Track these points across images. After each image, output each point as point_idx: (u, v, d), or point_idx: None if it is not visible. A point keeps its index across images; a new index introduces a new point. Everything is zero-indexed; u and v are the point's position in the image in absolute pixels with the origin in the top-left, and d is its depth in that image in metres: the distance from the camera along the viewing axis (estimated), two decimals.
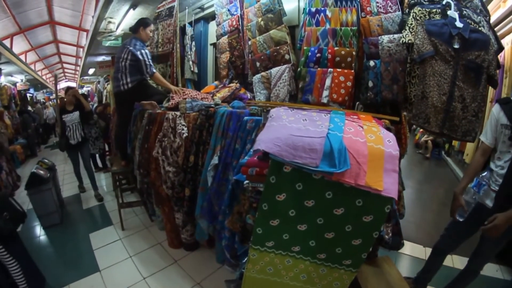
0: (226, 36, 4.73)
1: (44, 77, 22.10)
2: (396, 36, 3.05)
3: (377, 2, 3.38)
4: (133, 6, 6.39)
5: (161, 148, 3.63)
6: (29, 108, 14.95)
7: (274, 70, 3.78)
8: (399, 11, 3.27)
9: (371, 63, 3.12)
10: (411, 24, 2.83)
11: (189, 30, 5.57)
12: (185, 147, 3.46)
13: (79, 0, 10.83)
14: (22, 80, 15.86)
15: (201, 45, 5.84)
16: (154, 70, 4.52)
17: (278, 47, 3.88)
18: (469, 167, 2.78)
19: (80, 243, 4.49)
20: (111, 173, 5.79)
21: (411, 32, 2.81)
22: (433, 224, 5.10)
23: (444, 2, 2.80)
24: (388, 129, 2.20)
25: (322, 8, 3.60)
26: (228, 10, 4.77)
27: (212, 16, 5.53)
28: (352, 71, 3.26)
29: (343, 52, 3.36)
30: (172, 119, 3.56)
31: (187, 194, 3.49)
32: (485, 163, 2.75)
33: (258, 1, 4.28)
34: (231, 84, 4.34)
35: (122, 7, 6.50)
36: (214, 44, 5.57)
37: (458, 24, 2.61)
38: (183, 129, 3.44)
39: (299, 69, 3.48)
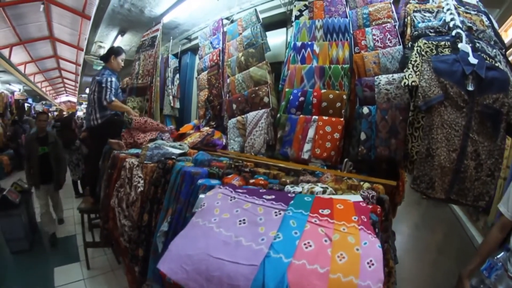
0: (206, 71, 4.41)
1: (44, 89, 22.87)
2: (396, 76, 2.63)
3: (374, 35, 2.96)
4: (121, 32, 6.35)
5: (117, 198, 3.28)
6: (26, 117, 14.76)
7: (250, 115, 3.42)
8: (400, 44, 2.83)
9: (365, 110, 2.69)
10: (415, 61, 2.38)
11: (172, 62, 5.29)
12: (141, 202, 3.03)
13: (76, 19, 10.98)
14: (20, 90, 16.07)
15: (187, 78, 5.56)
16: (113, 98, 4.18)
17: (257, 88, 3.52)
18: (482, 245, 2.21)
19: (43, 277, 4.26)
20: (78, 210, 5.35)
21: (415, 72, 2.35)
22: (430, 279, 4.46)
23: (453, 33, 2.40)
24: (381, 201, 1.78)
25: (309, 42, 3.20)
26: (211, 42, 4.48)
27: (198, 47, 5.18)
28: (342, 119, 2.83)
29: (331, 96, 2.91)
30: (129, 169, 3.16)
31: (140, 254, 3.03)
32: (503, 240, 2.19)
33: (241, 33, 3.94)
34: (204, 128, 3.95)
35: (110, 32, 6.48)
36: None
37: (472, 60, 2.19)
38: (139, 182, 3.03)
39: (278, 115, 3.11)
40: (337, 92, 2.90)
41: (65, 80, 23.22)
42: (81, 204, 4.86)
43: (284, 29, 4.11)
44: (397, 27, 2.91)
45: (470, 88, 2.17)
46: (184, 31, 5.66)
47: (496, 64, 2.24)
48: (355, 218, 1.37)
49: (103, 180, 4.01)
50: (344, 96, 2.87)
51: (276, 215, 1.39)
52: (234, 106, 3.66)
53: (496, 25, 2.72)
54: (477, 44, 2.34)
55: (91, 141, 5.11)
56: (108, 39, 6.88)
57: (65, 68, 18.82)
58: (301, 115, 2.97)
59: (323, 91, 2.94)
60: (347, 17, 3.25)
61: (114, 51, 4.44)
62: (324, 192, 1.83)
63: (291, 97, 3.02)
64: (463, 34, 2.34)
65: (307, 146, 2.86)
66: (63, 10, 10.20)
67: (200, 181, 2.31)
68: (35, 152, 4.94)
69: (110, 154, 3.92)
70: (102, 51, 7.22)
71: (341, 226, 1.34)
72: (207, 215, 1.38)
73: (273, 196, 1.55)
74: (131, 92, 5.09)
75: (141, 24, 5.69)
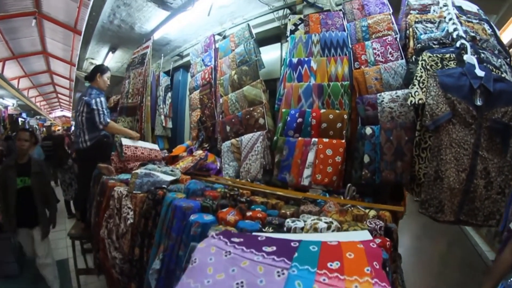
0: (198, 90, 4.27)
1: (38, 104, 23.08)
2: (400, 93, 2.50)
3: (374, 49, 2.85)
4: (112, 49, 6.26)
5: (107, 229, 3.11)
6: None
7: (245, 138, 3.26)
8: (402, 58, 2.71)
9: (368, 130, 2.54)
10: (421, 76, 2.26)
11: (163, 80, 5.13)
12: (131, 234, 2.85)
13: (69, 34, 10.99)
14: (13, 105, 16.06)
15: (179, 96, 5.41)
16: (109, 120, 4.00)
17: (251, 108, 3.37)
18: (494, 267, 2.10)
19: None
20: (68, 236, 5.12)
21: (421, 88, 2.22)
22: None
23: (458, 44, 2.31)
24: (389, 231, 1.74)
25: (306, 58, 3.06)
26: (202, 60, 4.35)
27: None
28: (343, 141, 2.67)
29: (331, 116, 2.76)
30: (118, 199, 2.98)
31: None
32: None
33: (233, 50, 3.81)
34: (197, 152, 3.77)
35: (101, 48, 6.40)
36: None
37: (479, 72, 2.12)
38: (128, 213, 2.84)
39: (275, 137, 2.95)
40: (337, 111, 2.77)
41: (60, 95, 23.34)
42: (72, 229, 4.60)
43: (279, 44, 4.01)
44: (398, 39, 2.80)
45: (479, 103, 2.10)
46: (176, 48, 5.55)
47: (503, 75, 2.19)
48: (367, 270, 1.19)
49: (93, 206, 3.82)
50: (345, 116, 2.73)
51: (279, 276, 1.21)
52: (228, 128, 3.51)
53: (498, 32, 2.66)
54: (482, 55, 2.27)
55: (80, 164, 4.93)
56: (99, 55, 6.77)
57: (59, 83, 18.99)
58: (299, 138, 2.82)
59: (322, 111, 2.80)
60: (345, 31, 3.14)
61: (99, 70, 4.26)
62: (328, 228, 1.71)
63: (288, 118, 2.88)
64: (468, 45, 2.26)
65: (307, 172, 2.70)
66: (56, 25, 10.25)
67: (192, 217, 2.14)
68: (12, 185, 3.72)
69: (100, 179, 3.73)
70: None
71: (354, 282, 1.16)
72: (199, 275, 1.21)
73: (274, 248, 1.35)
74: (121, 112, 4.94)
75: (132, 40, 5.56)
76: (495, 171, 2.08)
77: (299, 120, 2.82)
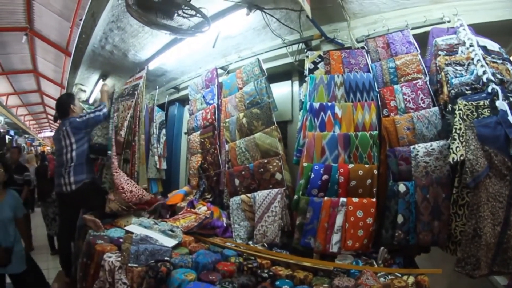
0: (199, 132, 3.93)
1: (27, 123, 23.10)
2: (435, 145, 2.38)
3: (404, 94, 2.66)
4: (103, 76, 5.81)
5: None
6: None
7: (259, 196, 2.95)
8: (434, 105, 2.56)
9: (402, 187, 2.38)
10: (460, 129, 2.16)
11: (157, 116, 4.77)
12: None
13: (60, 56, 10.72)
14: (0, 122, 15.80)
15: (174, 133, 5.07)
16: (105, 109, 3.93)
17: (265, 160, 3.07)
18: None
19: None
20: None
21: (461, 142, 2.13)
22: None
23: (489, 90, 2.24)
24: None
25: (329, 103, 2.83)
26: (203, 96, 4.01)
27: (188, 99, 4.79)
28: (374, 199, 2.47)
29: (361, 172, 2.52)
30: (110, 271, 2.55)
31: None
32: None
33: (241, 88, 3.51)
34: (200, 209, 3.41)
35: (91, 75, 5.96)
36: None
37: None
38: None
39: (295, 196, 2.67)
40: (367, 166, 2.56)
41: (49, 116, 23.12)
42: (55, 283, 4.16)
43: (289, 81, 3.76)
44: (428, 83, 2.65)
45: None
46: (172, 79, 5.22)
47: None
48: None
49: (78, 264, 3.35)
50: (375, 171, 2.52)
51: None
52: (237, 181, 3.22)
53: None
54: (511, 99, 2.23)
55: (61, 210, 4.39)
56: (89, 82, 6.38)
57: (49, 104, 19.05)
58: (325, 198, 2.57)
59: (350, 166, 2.58)
60: (369, 71, 2.94)
61: (68, 99, 3.97)
62: None
63: (312, 175, 2.62)
64: (499, 90, 2.20)
65: (336, 237, 2.46)
66: (47, 45, 10.03)
67: None
68: None
69: (85, 233, 3.35)
70: (84, 95, 6.82)
71: None
72: None
73: None
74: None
75: (125, 69, 5.22)
76: None
77: (325, 177, 2.59)
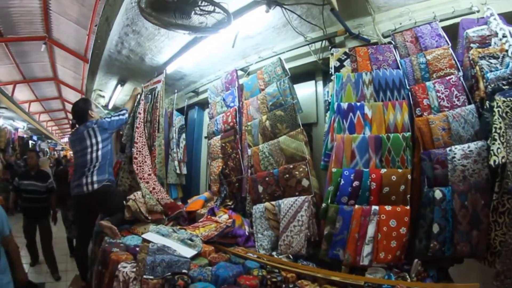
0: (219, 136, 3.86)
1: (49, 128, 23.52)
2: (472, 146, 2.23)
3: (438, 91, 2.50)
4: (121, 81, 5.88)
5: None
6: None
7: (285, 204, 2.82)
8: (470, 103, 2.41)
9: (438, 193, 2.23)
10: (500, 128, 2.04)
11: (177, 120, 4.69)
12: None
13: (79, 63, 10.71)
14: (23, 127, 16.30)
15: (194, 138, 5.03)
16: (126, 113, 3.85)
17: (291, 166, 2.94)
18: None
19: None
20: None
21: (502, 143, 2.01)
22: None
23: None
24: None
25: (358, 103, 2.70)
26: (223, 99, 3.93)
27: (208, 102, 4.74)
28: (408, 207, 2.32)
29: (394, 177, 2.37)
30: (124, 282, 2.47)
31: None
32: None
33: (263, 89, 3.40)
34: (221, 217, 3.35)
35: (109, 81, 6.01)
36: None
37: None
38: None
39: (324, 204, 2.53)
40: (400, 171, 2.40)
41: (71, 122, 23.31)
42: (71, 286, 4.20)
43: (313, 81, 3.63)
44: (462, 79, 2.48)
45: None
46: (191, 83, 5.20)
47: None
48: None
49: (94, 272, 3.32)
50: (409, 176, 2.37)
51: None
52: (260, 188, 3.12)
53: None
54: None
55: (77, 214, 4.38)
56: (107, 88, 6.46)
57: (70, 110, 18.62)
58: (356, 206, 2.43)
59: (383, 171, 2.45)
60: (398, 68, 2.79)
61: (86, 107, 3.86)
62: None
63: (342, 181, 2.49)
64: None
65: (367, 249, 2.31)
66: (66, 53, 10.11)
67: None
68: None
69: (102, 240, 3.29)
70: (102, 101, 6.96)
71: None
72: None
73: None
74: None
75: (142, 73, 5.22)
76: None
77: (355, 183, 2.46)
